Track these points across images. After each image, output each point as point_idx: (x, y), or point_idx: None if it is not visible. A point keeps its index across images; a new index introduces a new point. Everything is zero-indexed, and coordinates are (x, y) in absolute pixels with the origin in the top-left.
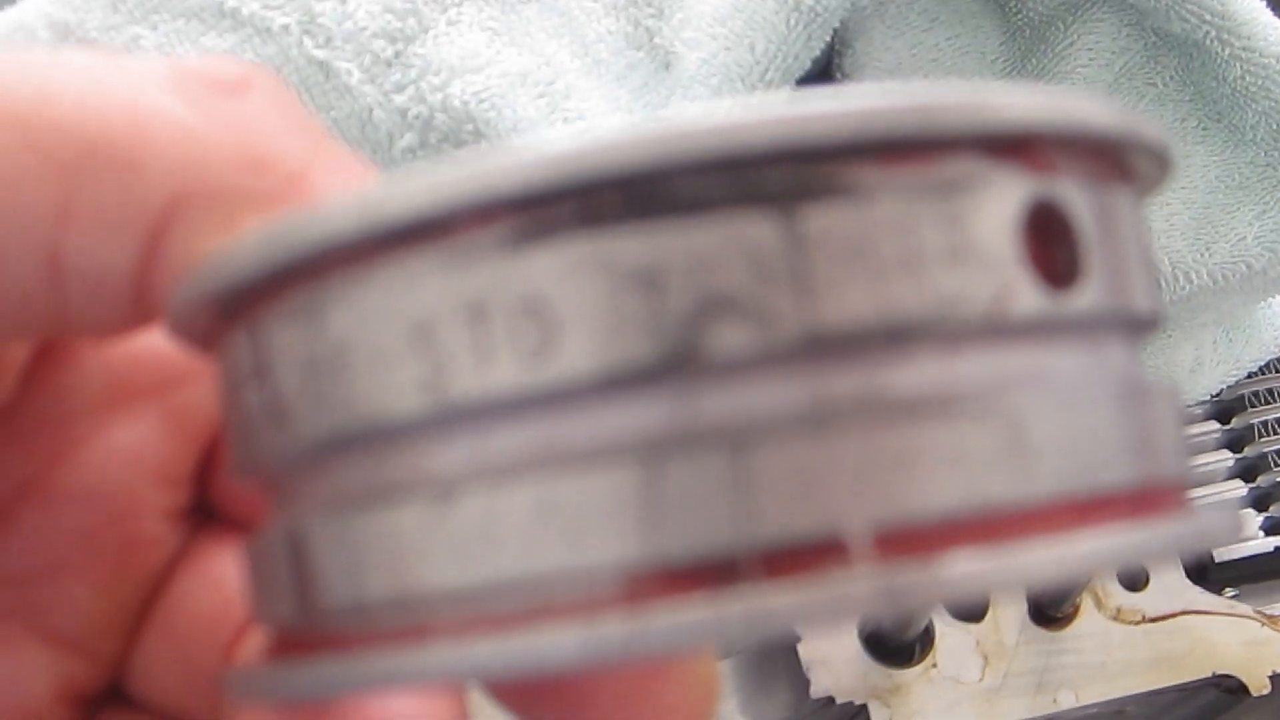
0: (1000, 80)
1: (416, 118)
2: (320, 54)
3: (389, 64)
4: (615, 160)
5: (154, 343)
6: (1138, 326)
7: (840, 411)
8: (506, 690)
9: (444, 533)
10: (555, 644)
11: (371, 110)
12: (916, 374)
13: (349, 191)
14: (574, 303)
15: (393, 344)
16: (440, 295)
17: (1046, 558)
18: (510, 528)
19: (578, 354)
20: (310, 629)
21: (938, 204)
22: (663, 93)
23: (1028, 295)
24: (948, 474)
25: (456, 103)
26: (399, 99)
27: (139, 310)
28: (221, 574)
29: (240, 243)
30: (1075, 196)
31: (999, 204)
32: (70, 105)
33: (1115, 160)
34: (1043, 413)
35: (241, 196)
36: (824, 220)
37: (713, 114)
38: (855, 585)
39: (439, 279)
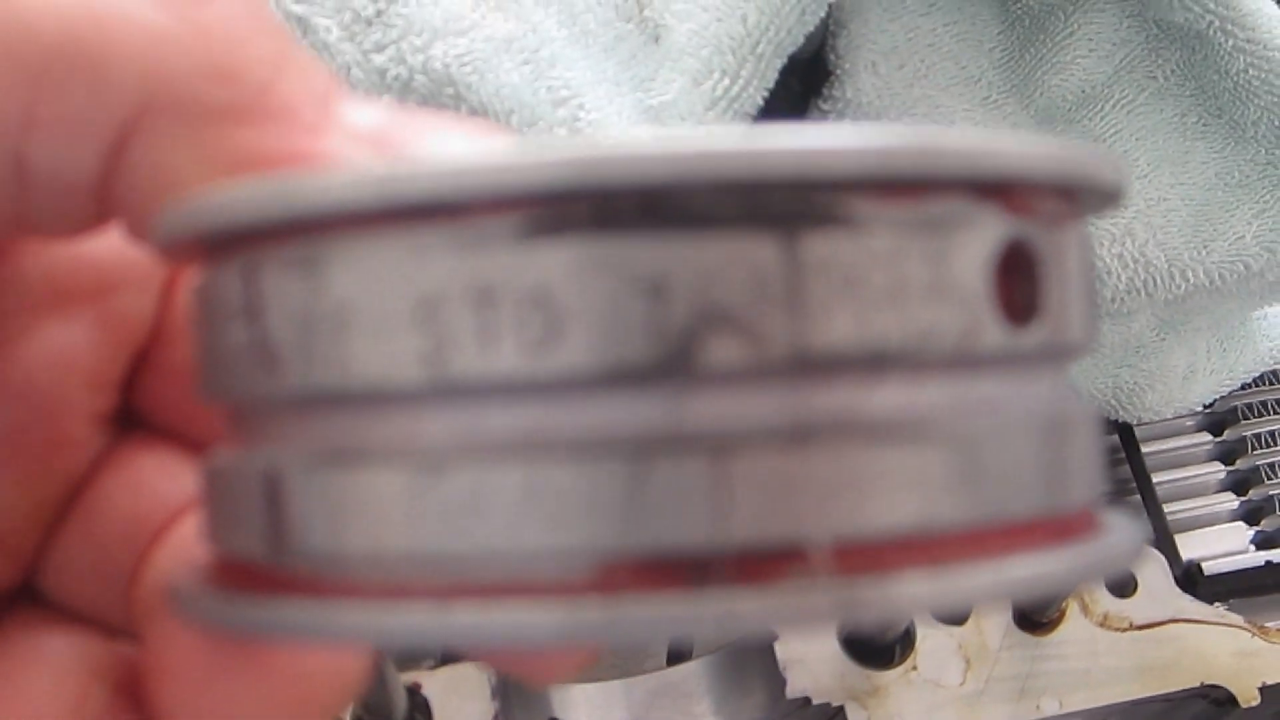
0: (997, 71)
1: (395, 79)
2: (298, 9)
3: (369, 22)
4: (635, 170)
5: (94, 247)
6: (1071, 356)
7: (816, 429)
8: None
9: (430, 501)
10: (532, 621)
11: (349, 69)
12: (888, 399)
13: (374, 161)
14: (580, 299)
15: (397, 314)
16: (450, 275)
17: (985, 581)
18: (496, 504)
19: (579, 348)
20: (280, 567)
21: (925, 239)
22: (651, 65)
23: (992, 331)
24: (906, 495)
25: (438, 65)
26: (378, 59)
27: (98, 213)
28: (141, 480)
29: (251, 185)
30: (1041, 237)
31: (978, 242)
32: (36, 8)
33: (1075, 200)
34: (993, 441)
35: (208, 107)
36: (822, 247)
37: (731, 136)
38: (814, 596)
39: (451, 259)
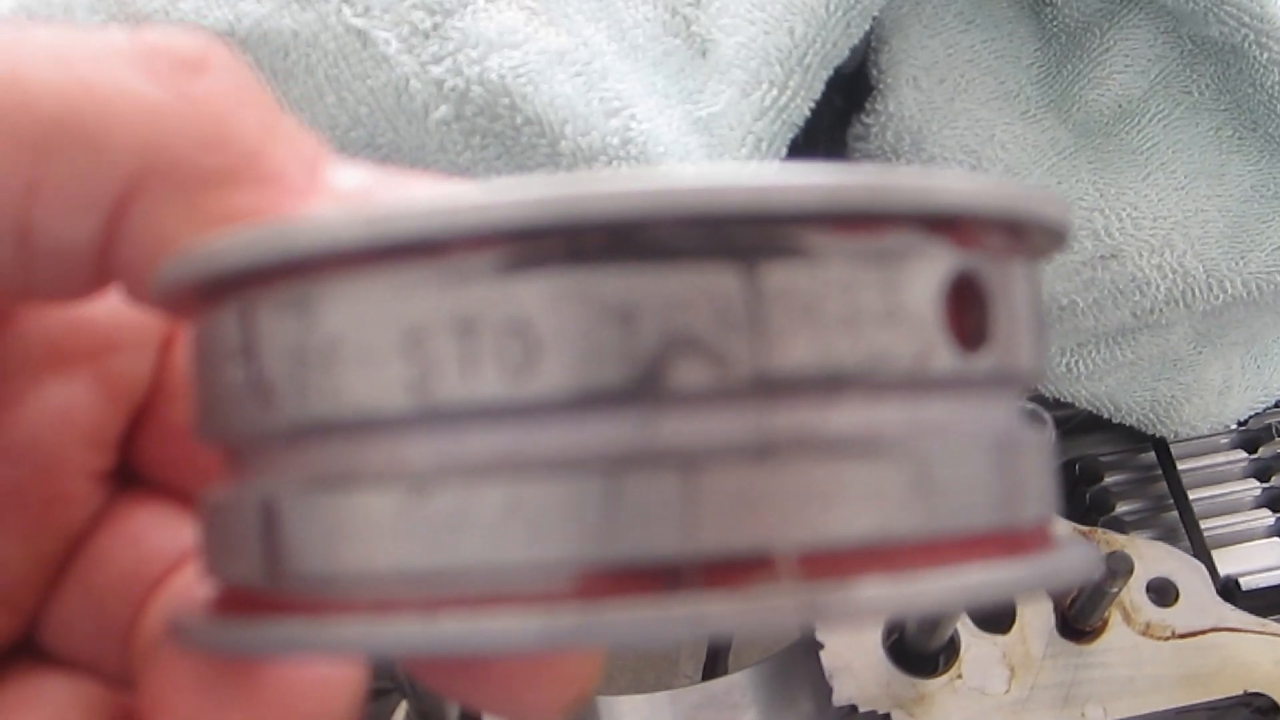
0: (1035, 86)
1: (453, 90)
2: (358, 22)
3: (427, 35)
4: (604, 207)
5: (92, 309)
6: (1020, 382)
7: (779, 445)
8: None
9: (417, 519)
10: (516, 629)
11: (408, 80)
12: (846, 417)
13: (361, 204)
14: (556, 328)
15: (384, 346)
16: (434, 308)
17: (941, 587)
18: (479, 521)
19: (555, 373)
20: (277, 591)
21: (878, 270)
22: (699, 78)
23: (944, 355)
24: (864, 506)
25: (493, 76)
26: (436, 70)
27: (98, 277)
28: (139, 534)
29: (245, 232)
30: (989, 269)
31: (929, 273)
32: (37, 85)
33: (1022, 236)
34: (945, 458)
35: (201, 174)
36: (781, 276)
37: (696, 175)
38: (780, 600)
39: (434, 293)
